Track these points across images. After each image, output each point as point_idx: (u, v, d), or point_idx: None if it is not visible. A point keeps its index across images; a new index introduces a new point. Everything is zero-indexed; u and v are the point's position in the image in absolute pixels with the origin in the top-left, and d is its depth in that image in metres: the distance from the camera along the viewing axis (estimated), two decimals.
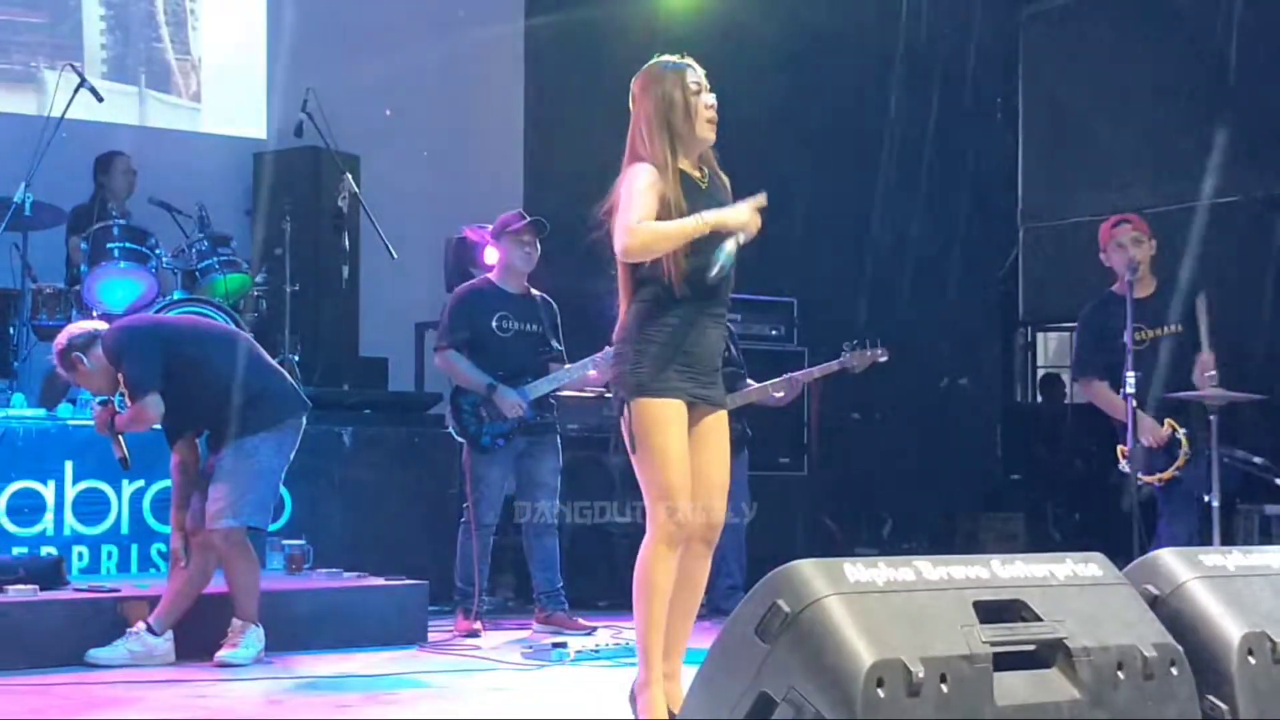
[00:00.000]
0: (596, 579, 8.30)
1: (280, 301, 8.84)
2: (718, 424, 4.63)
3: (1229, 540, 6.83)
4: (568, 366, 7.32)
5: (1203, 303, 6.70)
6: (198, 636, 6.20)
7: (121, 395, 6.32)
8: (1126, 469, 6.54)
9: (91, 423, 7.13)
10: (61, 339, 6.34)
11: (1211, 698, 3.68)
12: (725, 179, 4.73)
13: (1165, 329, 6.73)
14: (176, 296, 8.20)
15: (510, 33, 11.59)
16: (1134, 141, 11.15)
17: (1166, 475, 6.59)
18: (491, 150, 11.34)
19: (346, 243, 9.42)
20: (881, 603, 3.30)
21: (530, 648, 6.68)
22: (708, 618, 6.14)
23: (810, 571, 3.31)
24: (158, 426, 6.23)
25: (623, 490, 7.56)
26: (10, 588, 6.27)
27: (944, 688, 3.20)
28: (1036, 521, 11.01)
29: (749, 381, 7.72)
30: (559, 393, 7.50)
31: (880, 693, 3.12)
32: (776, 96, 10.78)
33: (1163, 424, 6.59)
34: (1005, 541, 10.50)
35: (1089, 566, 3.75)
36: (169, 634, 6.19)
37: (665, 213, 4.47)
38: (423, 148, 11.05)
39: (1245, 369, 7.05)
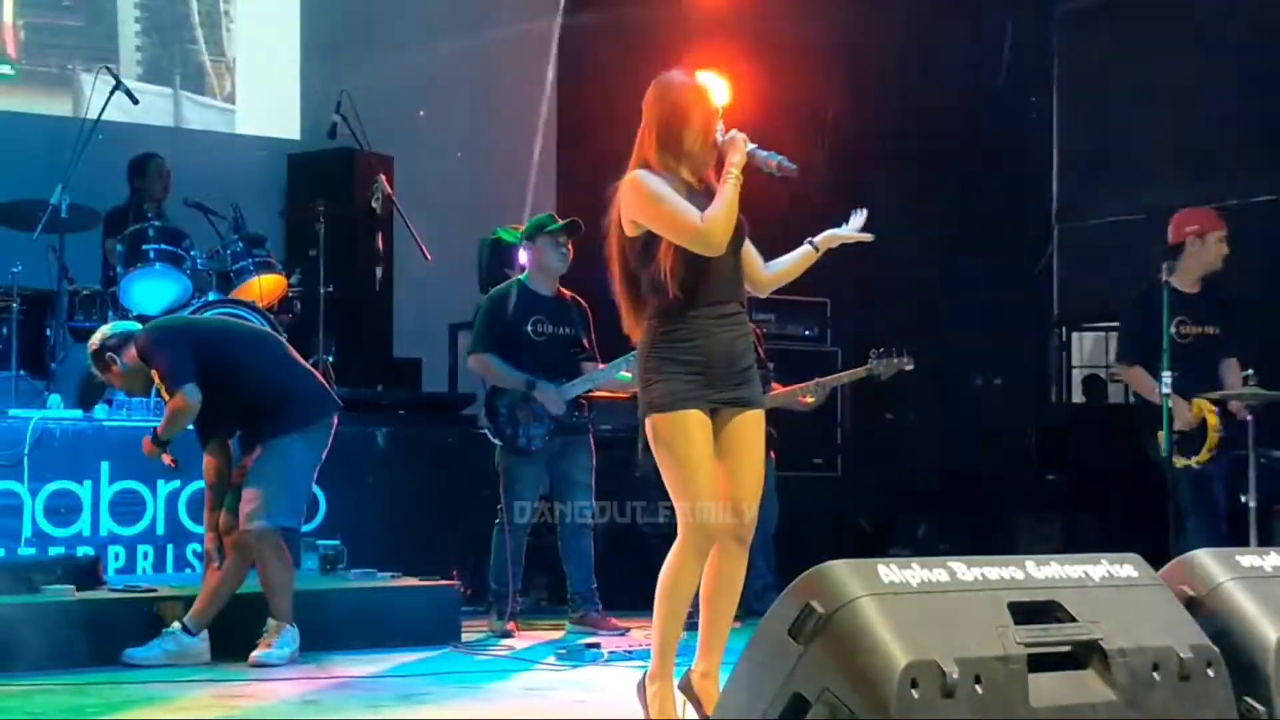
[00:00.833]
0: (629, 580, 8.28)
1: (314, 303, 8.85)
2: (751, 424, 4.57)
3: (1266, 541, 6.79)
4: (601, 367, 7.33)
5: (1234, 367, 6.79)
6: (233, 636, 6.23)
7: (158, 397, 6.35)
8: (1159, 453, 6.56)
9: (127, 424, 7.19)
10: (95, 340, 6.38)
11: (1248, 699, 3.66)
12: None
13: (1206, 328, 6.76)
14: (211, 298, 8.23)
15: (544, 32, 11.59)
16: (1168, 140, 11.09)
17: (1202, 458, 6.59)
18: (525, 151, 11.34)
19: (380, 244, 9.44)
20: (916, 604, 3.29)
21: (564, 648, 6.68)
22: (741, 619, 6.12)
23: (844, 572, 3.31)
24: (191, 427, 6.26)
25: (656, 491, 7.54)
26: (47, 588, 6.31)
27: (978, 689, 3.20)
28: (1072, 522, 10.95)
29: (775, 385, 7.70)
30: (590, 393, 7.50)
31: (914, 694, 3.11)
32: (805, 96, 10.75)
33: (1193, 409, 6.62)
34: (1040, 542, 10.45)
35: (1124, 567, 3.73)
36: (204, 634, 6.21)
37: None
38: (456, 149, 11.08)
39: (1279, 369, 7.01)
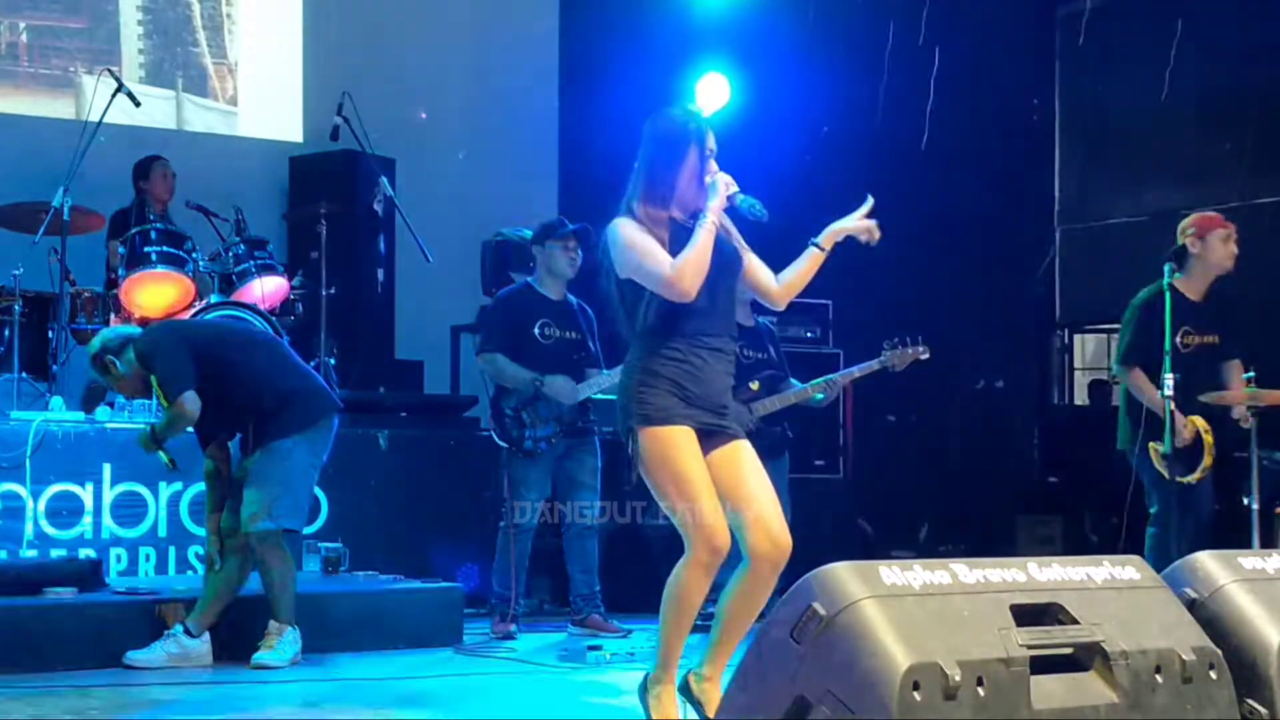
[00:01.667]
0: (631, 581, 8.28)
1: (316, 305, 8.85)
2: (744, 450, 4.58)
3: (1268, 543, 6.78)
4: (607, 371, 7.32)
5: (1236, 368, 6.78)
6: (235, 638, 6.23)
7: (159, 403, 6.35)
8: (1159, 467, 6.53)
9: (129, 426, 7.18)
10: (95, 342, 6.38)
11: (1251, 701, 3.66)
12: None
13: (1207, 337, 6.73)
14: (213, 300, 8.23)
15: (545, 34, 11.60)
16: (1171, 143, 11.09)
17: (1196, 476, 6.56)
18: (527, 153, 11.34)
19: (382, 246, 9.43)
20: (918, 606, 3.29)
21: (566, 650, 6.68)
22: None
23: (846, 574, 3.30)
24: (191, 430, 6.26)
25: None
26: (49, 590, 6.31)
27: (980, 691, 3.19)
28: (1074, 524, 10.95)
29: (792, 382, 7.67)
30: (593, 396, 7.50)
31: (916, 696, 3.11)
32: (809, 96, 10.75)
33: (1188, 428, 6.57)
34: (1042, 544, 10.46)
35: (1127, 569, 3.73)
36: (206, 636, 6.21)
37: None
38: (458, 151, 11.07)
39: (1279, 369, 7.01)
